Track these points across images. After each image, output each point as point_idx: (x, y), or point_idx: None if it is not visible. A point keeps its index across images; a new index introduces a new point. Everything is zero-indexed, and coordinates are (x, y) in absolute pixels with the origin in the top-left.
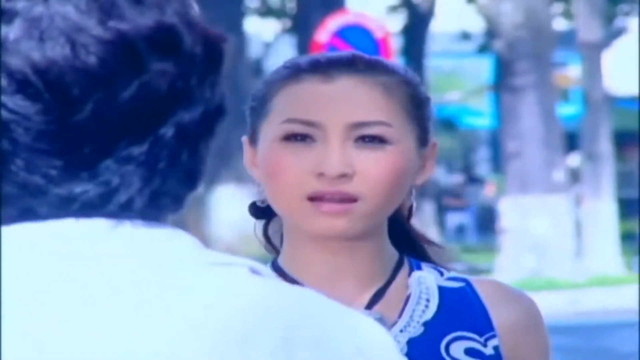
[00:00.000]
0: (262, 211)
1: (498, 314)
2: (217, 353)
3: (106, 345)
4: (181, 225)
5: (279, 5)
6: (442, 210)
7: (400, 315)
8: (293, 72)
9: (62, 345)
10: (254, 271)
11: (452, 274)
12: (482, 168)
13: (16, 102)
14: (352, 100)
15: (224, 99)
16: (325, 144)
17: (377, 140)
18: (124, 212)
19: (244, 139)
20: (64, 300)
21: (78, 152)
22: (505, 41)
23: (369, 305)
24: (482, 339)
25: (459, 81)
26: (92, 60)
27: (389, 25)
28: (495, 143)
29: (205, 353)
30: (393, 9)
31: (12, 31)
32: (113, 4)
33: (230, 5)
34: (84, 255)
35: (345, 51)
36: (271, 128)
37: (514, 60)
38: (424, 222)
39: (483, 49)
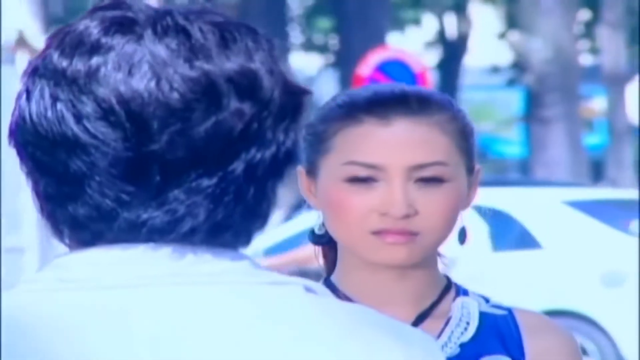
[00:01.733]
0: (320, 238)
1: (531, 342)
2: None
3: None
4: None
5: (322, 41)
6: None
7: (439, 335)
8: (350, 113)
9: None
10: (308, 289)
11: (497, 302)
12: None
13: (98, 128)
14: (410, 143)
15: (297, 145)
16: (387, 185)
17: (436, 180)
18: (186, 240)
19: (299, 169)
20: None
21: (149, 180)
22: (535, 75)
23: (414, 325)
24: None
25: (490, 112)
26: (174, 95)
27: (426, 60)
28: (525, 171)
29: None
30: (429, 44)
31: (105, 63)
32: (202, 47)
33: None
34: (151, 283)
35: (397, 86)
36: (333, 168)
37: (543, 93)
38: None
39: (512, 82)
